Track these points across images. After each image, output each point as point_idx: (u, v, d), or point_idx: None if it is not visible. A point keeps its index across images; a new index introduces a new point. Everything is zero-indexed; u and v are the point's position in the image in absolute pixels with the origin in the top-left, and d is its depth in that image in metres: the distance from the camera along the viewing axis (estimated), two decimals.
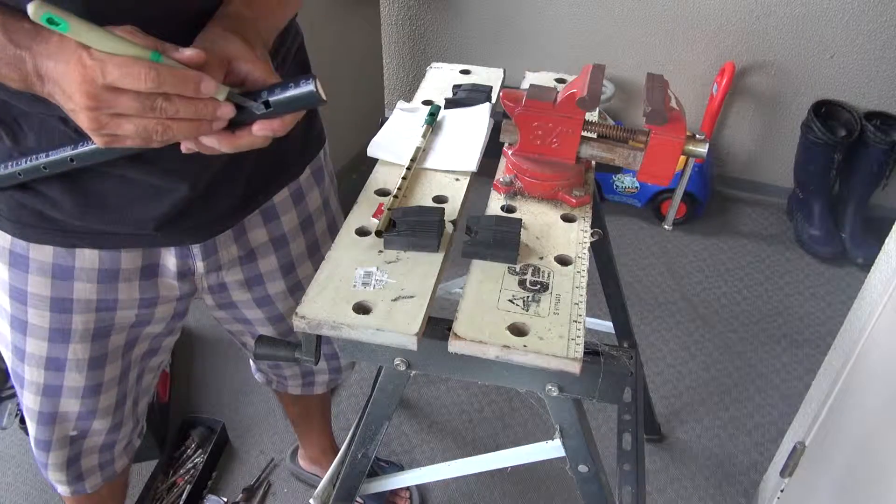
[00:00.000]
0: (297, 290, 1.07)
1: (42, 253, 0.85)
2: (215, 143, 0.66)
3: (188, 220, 0.86)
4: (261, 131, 0.66)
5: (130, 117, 0.60)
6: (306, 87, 0.64)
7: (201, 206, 0.85)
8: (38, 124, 0.74)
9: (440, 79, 1.19)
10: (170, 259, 0.92)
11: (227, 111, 0.63)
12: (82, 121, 0.60)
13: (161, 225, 0.84)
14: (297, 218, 1.02)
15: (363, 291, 0.73)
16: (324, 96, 0.64)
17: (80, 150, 0.74)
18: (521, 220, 0.82)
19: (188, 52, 0.61)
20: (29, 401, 0.99)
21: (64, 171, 0.75)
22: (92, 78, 0.57)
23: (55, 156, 0.75)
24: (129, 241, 0.86)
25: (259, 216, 0.97)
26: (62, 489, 1.11)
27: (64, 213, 0.81)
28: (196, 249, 0.92)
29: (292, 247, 1.03)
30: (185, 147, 0.67)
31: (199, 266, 0.94)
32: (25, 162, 0.76)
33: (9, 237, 0.85)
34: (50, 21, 0.54)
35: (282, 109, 0.66)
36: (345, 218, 0.86)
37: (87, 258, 0.86)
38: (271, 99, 0.65)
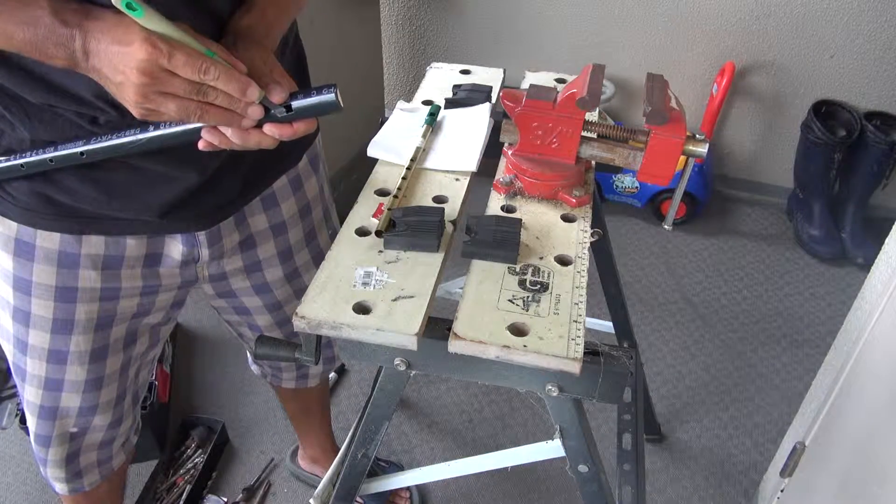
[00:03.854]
0: (294, 277, 1.09)
1: (49, 240, 0.86)
2: (231, 137, 0.72)
3: (193, 206, 0.88)
4: (271, 131, 0.72)
5: (176, 97, 0.66)
6: (328, 96, 0.70)
7: (206, 193, 0.87)
8: (50, 116, 0.76)
9: (440, 79, 1.19)
10: (175, 247, 0.93)
11: (258, 112, 0.70)
12: (128, 94, 0.65)
13: (166, 211, 0.86)
14: (296, 205, 1.04)
15: (363, 291, 0.73)
16: (342, 104, 0.71)
17: (92, 146, 0.75)
18: (521, 220, 0.82)
19: (238, 64, 0.68)
20: (30, 395, 1.00)
21: (72, 164, 0.77)
22: (156, 59, 0.63)
23: (64, 150, 0.76)
24: (137, 226, 0.88)
25: (259, 203, 0.99)
26: (60, 487, 1.12)
27: (74, 198, 0.83)
28: (202, 237, 0.94)
29: (291, 234, 1.05)
30: (204, 144, 0.73)
31: (205, 254, 0.96)
32: (31, 155, 0.77)
33: (14, 225, 0.86)
34: (129, 6, 0.61)
35: (302, 114, 0.72)
36: (343, 216, 0.86)
37: (94, 244, 0.88)
38: (294, 104, 0.71)
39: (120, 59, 0.64)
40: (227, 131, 0.72)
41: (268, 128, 0.72)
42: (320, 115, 0.73)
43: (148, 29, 0.63)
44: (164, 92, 0.65)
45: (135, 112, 0.67)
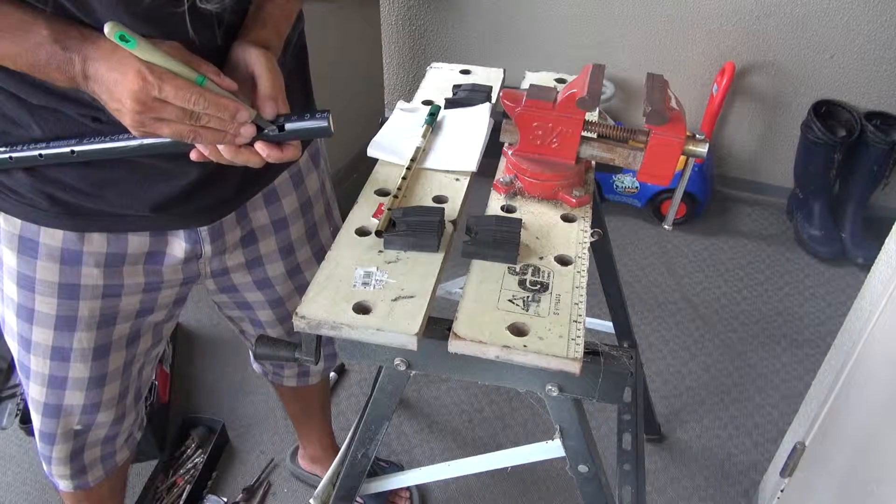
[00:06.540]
0: (296, 273, 1.09)
1: (52, 237, 0.87)
2: (223, 152, 0.75)
3: (194, 202, 0.89)
4: (261, 149, 0.74)
5: (169, 122, 0.69)
6: (321, 122, 0.73)
7: (207, 188, 0.88)
8: (52, 116, 0.77)
9: (440, 79, 1.19)
10: (178, 244, 0.94)
11: (250, 132, 0.72)
12: (125, 119, 0.68)
13: (167, 207, 0.87)
14: (297, 201, 1.04)
15: (363, 291, 0.73)
16: (333, 130, 0.74)
17: (83, 147, 0.76)
18: (521, 220, 0.82)
19: (227, 82, 0.71)
20: (35, 392, 1.01)
21: (63, 162, 0.78)
22: (148, 90, 0.65)
23: (56, 148, 0.77)
24: (139, 223, 0.89)
25: (261, 198, 1.00)
26: (64, 484, 1.12)
27: (76, 196, 0.83)
28: (205, 233, 0.94)
29: (292, 230, 1.05)
30: (196, 155, 0.75)
31: (207, 250, 0.97)
32: (21, 149, 0.78)
33: (18, 222, 0.86)
34: (122, 38, 0.63)
35: (293, 135, 0.74)
36: (343, 216, 0.86)
37: (96, 242, 0.89)
38: (287, 125, 0.74)
39: (115, 88, 0.66)
40: (220, 146, 0.74)
41: (259, 146, 0.74)
42: (311, 137, 0.76)
43: (141, 58, 0.65)
44: (158, 118, 0.68)
45: (133, 133, 0.70)
